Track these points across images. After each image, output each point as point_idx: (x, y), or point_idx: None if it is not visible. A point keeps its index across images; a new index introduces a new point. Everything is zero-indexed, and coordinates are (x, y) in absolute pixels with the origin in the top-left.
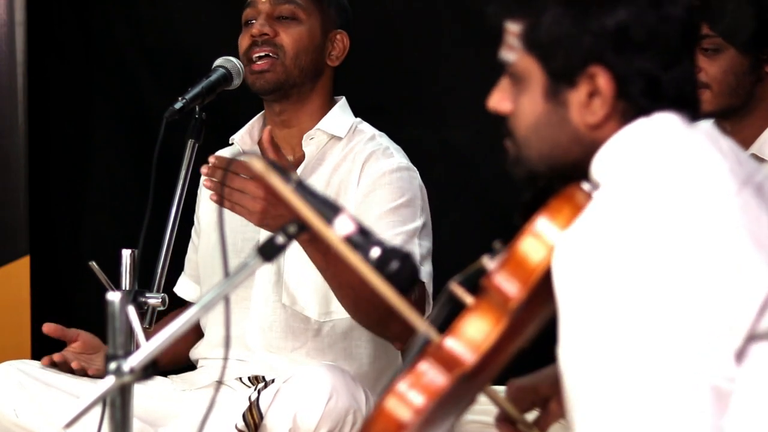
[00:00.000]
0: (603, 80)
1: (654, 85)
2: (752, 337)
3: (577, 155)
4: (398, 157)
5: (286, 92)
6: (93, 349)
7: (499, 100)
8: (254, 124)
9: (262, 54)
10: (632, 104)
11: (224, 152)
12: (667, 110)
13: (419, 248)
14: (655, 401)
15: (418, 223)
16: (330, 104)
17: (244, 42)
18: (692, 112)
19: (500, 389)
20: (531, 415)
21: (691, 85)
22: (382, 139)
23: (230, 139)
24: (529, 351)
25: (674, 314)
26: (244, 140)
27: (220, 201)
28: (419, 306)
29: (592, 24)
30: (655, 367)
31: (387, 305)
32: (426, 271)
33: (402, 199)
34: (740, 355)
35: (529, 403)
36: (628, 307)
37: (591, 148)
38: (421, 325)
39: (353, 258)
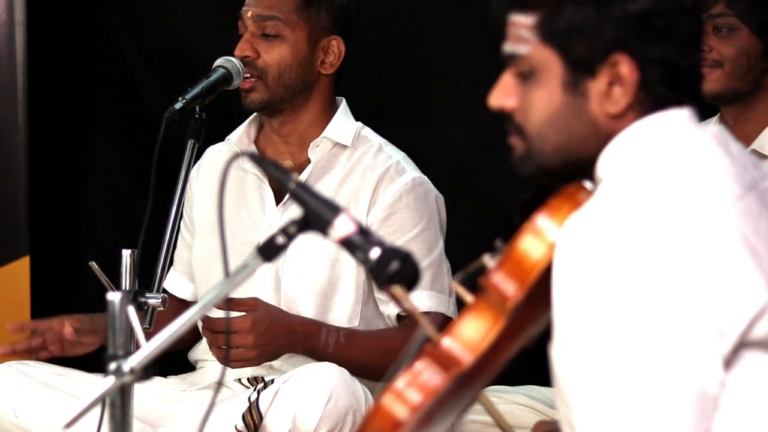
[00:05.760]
0: (626, 68)
1: (673, 72)
2: (743, 344)
3: (593, 148)
4: (410, 171)
5: (276, 108)
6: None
7: (503, 96)
8: (251, 123)
9: (247, 75)
10: (650, 93)
11: (220, 150)
12: (682, 101)
13: (448, 277)
14: (640, 400)
15: (441, 244)
16: (331, 109)
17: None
18: (698, 103)
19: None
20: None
21: (699, 74)
22: (389, 149)
23: (227, 138)
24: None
25: (663, 315)
26: (241, 140)
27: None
28: None
29: (616, 11)
30: (641, 366)
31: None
32: (454, 302)
33: (423, 223)
34: (730, 361)
35: None
36: (619, 306)
37: (607, 140)
38: (422, 320)
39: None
